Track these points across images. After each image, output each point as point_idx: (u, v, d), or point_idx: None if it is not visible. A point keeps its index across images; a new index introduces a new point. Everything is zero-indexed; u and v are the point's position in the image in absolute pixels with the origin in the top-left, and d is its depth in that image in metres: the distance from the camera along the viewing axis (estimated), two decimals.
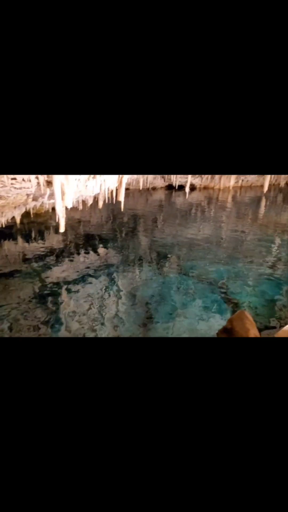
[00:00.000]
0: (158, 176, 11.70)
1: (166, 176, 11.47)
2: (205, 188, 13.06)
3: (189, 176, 6.65)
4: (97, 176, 4.05)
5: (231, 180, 12.69)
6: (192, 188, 12.84)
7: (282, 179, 13.28)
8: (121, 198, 5.16)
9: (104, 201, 5.81)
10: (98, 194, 5.38)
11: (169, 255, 5.88)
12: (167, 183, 12.52)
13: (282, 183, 13.74)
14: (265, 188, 9.82)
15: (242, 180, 13.29)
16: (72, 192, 4.02)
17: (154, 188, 12.74)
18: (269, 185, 12.52)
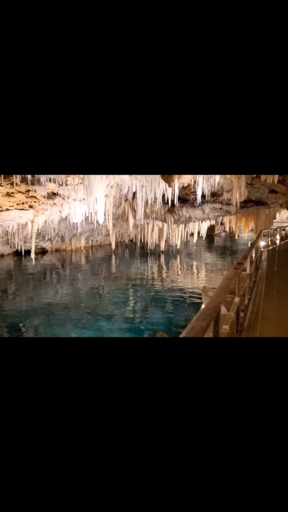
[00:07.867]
0: (0, 243, 10.79)
1: (10, 241, 10.70)
2: (57, 250, 12.99)
3: (33, 240, 6.50)
4: None
5: (81, 241, 13.21)
6: (43, 251, 12.50)
7: (125, 237, 14.96)
8: None
9: None
10: None
11: (23, 326, 5.20)
12: (13, 249, 11.67)
13: (127, 240, 15.45)
14: (113, 246, 10.70)
15: (92, 240, 14.10)
16: None
17: (1, 256, 11.61)
18: (116, 242, 13.75)
